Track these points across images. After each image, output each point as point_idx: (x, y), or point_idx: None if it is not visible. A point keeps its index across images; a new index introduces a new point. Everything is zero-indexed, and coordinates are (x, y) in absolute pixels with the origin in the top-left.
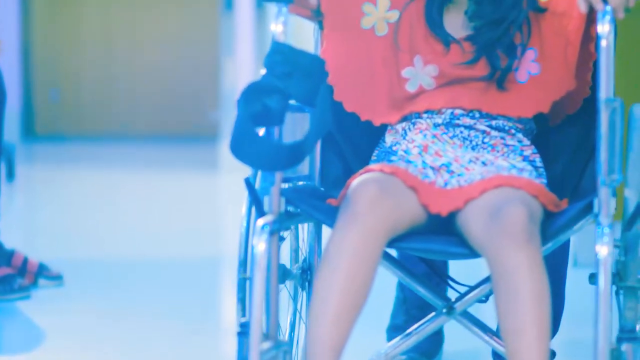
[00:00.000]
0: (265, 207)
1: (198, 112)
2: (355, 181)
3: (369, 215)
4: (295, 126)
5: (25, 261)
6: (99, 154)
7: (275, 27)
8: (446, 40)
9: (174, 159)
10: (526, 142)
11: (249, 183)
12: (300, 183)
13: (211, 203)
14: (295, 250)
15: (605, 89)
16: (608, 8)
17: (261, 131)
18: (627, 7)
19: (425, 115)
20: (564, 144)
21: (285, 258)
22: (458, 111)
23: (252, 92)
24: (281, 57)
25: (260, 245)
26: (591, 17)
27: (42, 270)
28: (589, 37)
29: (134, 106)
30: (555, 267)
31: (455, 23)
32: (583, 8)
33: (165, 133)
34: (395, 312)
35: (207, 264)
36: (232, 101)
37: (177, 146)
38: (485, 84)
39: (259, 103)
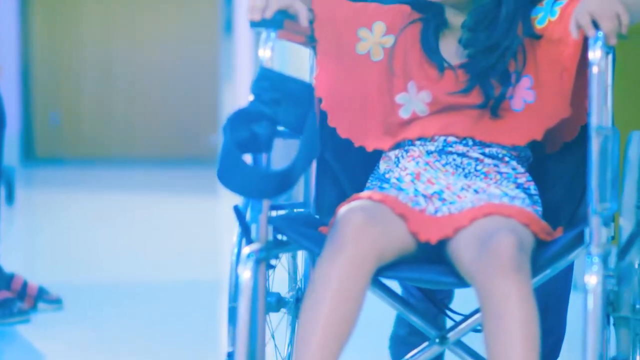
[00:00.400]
0: (254, 235)
1: (197, 136)
2: (343, 209)
3: (356, 243)
4: (286, 153)
5: (24, 285)
6: (99, 177)
7: (263, 53)
8: (441, 65)
9: (173, 183)
10: (520, 169)
11: (237, 211)
12: (298, 210)
13: (210, 227)
14: (293, 279)
15: (596, 117)
16: (600, 34)
17: (249, 158)
18: (620, 33)
19: (418, 143)
20: (562, 171)
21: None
22: (451, 139)
23: (239, 119)
24: (269, 83)
25: (245, 273)
26: (588, 43)
27: (41, 294)
28: (586, 64)
29: (133, 130)
30: (557, 292)
31: (451, 49)
32: (575, 34)
33: (165, 157)
34: (399, 321)
35: (206, 289)
36: None
37: (176, 170)
38: (479, 111)
39: (246, 130)
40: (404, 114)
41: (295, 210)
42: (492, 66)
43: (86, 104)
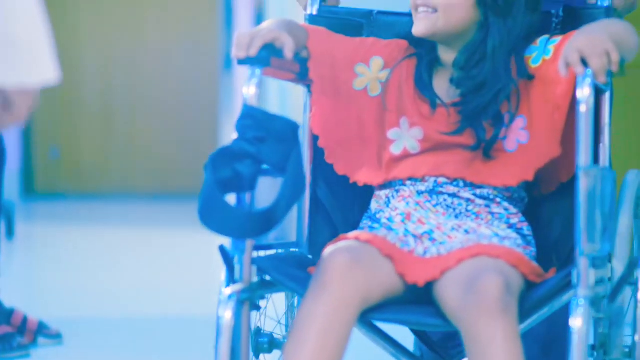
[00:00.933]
0: (237, 275)
1: (197, 170)
2: (328, 249)
3: (340, 284)
4: (273, 191)
5: (24, 320)
6: (99, 212)
7: (248, 90)
8: (433, 102)
9: (173, 217)
10: (513, 210)
11: (222, 250)
12: (293, 250)
13: (211, 262)
14: (287, 319)
15: (584, 156)
16: (589, 72)
17: (233, 197)
18: (610, 71)
19: (408, 183)
20: (558, 212)
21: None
22: (442, 179)
23: (222, 158)
24: (252, 121)
25: (226, 314)
26: None
27: (41, 329)
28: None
29: (133, 164)
30: (561, 329)
31: (444, 86)
32: (563, 72)
33: (165, 191)
34: None
35: (205, 324)
36: None
37: (177, 204)
38: (471, 151)
39: (229, 169)
40: (395, 150)
41: (290, 249)
42: (484, 108)
43: (86, 139)
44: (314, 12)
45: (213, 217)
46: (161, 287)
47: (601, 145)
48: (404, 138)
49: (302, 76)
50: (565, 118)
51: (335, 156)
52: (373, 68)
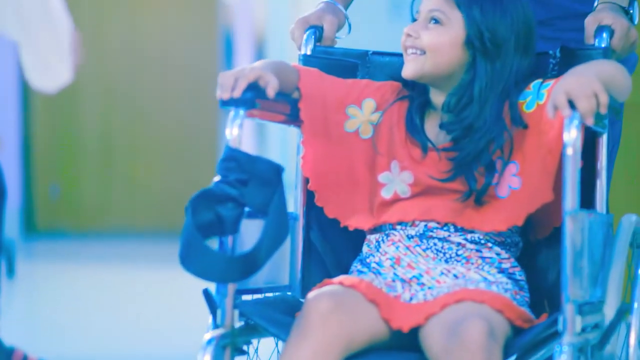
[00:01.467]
0: (219, 320)
1: None
2: (311, 294)
3: (321, 330)
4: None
5: (24, 358)
6: (100, 251)
7: (230, 132)
8: (424, 145)
9: (174, 256)
10: (505, 254)
11: (206, 294)
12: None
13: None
14: None
15: (570, 200)
16: (576, 114)
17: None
18: (599, 113)
19: (398, 227)
20: (552, 257)
21: None
22: (432, 224)
23: (203, 201)
24: (235, 163)
25: (204, 359)
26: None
27: None
28: None
29: (133, 203)
30: None
31: (435, 130)
32: (551, 114)
33: (166, 230)
34: None
35: None
36: None
37: (177, 243)
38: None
39: (210, 212)
40: (385, 194)
41: (282, 293)
42: (476, 157)
43: (86, 177)
44: (308, 52)
45: (193, 261)
46: (162, 326)
47: (597, 189)
48: (395, 182)
49: (293, 117)
50: (557, 162)
51: (326, 199)
52: (365, 110)
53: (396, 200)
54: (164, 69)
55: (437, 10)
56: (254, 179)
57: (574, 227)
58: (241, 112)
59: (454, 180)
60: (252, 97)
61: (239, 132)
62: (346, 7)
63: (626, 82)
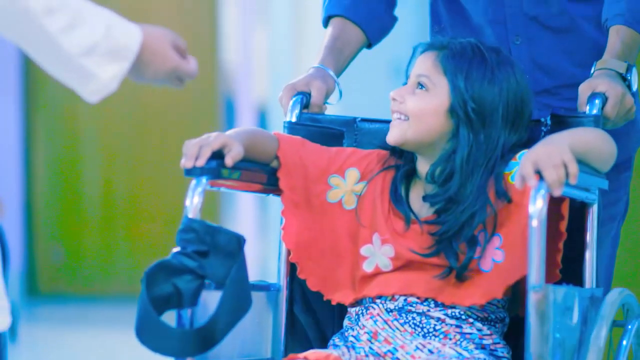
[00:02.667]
0: None
1: None
2: None
3: None
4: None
5: None
6: (103, 314)
7: (190, 201)
8: (407, 217)
9: None
10: (487, 331)
11: None
12: None
13: None
14: None
15: (535, 274)
16: (542, 184)
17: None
18: (568, 183)
19: (378, 301)
20: None
21: None
22: (412, 299)
23: (160, 273)
24: (193, 235)
25: None
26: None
27: None
28: (560, 216)
29: (136, 266)
30: None
31: (420, 201)
32: (518, 184)
33: None
34: None
35: None
36: None
37: None
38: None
39: (168, 284)
40: (367, 268)
41: None
42: (457, 232)
43: (88, 241)
44: (293, 119)
45: (147, 335)
46: None
47: (587, 262)
48: (376, 255)
49: (271, 186)
50: None
51: (309, 272)
52: (348, 180)
53: (377, 273)
54: (164, 134)
55: (424, 76)
56: (214, 250)
57: (538, 303)
58: (204, 180)
59: (435, 256)
60: (216, 166)
61: (200, 201)
62: (339, 73)
63: (609, 149)
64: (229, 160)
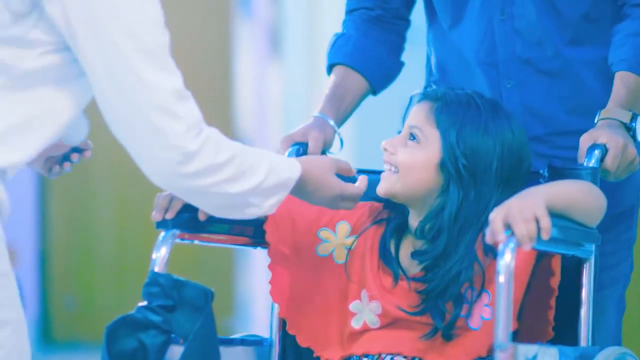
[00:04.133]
0: None
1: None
2: None
3: None
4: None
5: None
6: None
7: (157, 254)
8: (396, 274)
9: None
10: None
11: None
12: None
13: None
14: None
15: (502, 331)
16: (511, 239)
17: None
18: (540, 238)
19: (365, 359)
20: None
21: None
22: (398, 358)
23: (124, 327)
24: (158, 289)
25: None
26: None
27: None
28: (550, 272)
29: None
30: None
31: (409, 256)
32: (488, 238)
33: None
34: None
35: None
36: (246, 307)
37: None
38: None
39: (132, 339)
40: (355, 324)
41: None
42: (444, 290)
43: (102, 289)
44: None
45: None
46: None
47: (582, 320)
48: (364, 312)
49: (257, 240)
50: (522, 290)
51: (298, 327)
52: (339, 233)
53: (365, 330)
54: None
55: (416, 127)
56: (180, 304)
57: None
58: (175, 233)
59: (422, 315)
60: (187, 219)
61: (167, 254)
62: (341, 121)
63: (595, 203)
64: (201, 216)
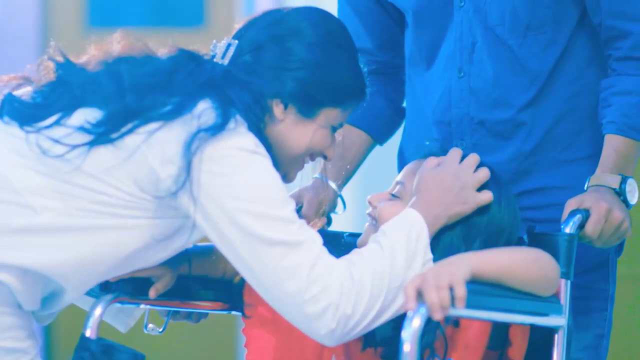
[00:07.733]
0: None
1: None
2: None
3: None
4: None
5: None
6: None
7: (90, 319)
8: (365, 339)
9: None
10: None
11: None
12: None
13: None
14: None
15: None
16: (421, 307)
17: None
18: (452, 306)
19: None
20: None
21: None
22: None
23: None
24: (88, 354)
25: None
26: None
27: None
28: (508, 342)
29: None
30: None
31: None
32: (402, 307)
33: None
34: None
35: None
36: None
37: None
38: None
39: None
40: None
41: None
42: None
43: None
44: None
45: None
46: None
47: None
48: None
49: (235, 305)
50: (479, 357)
51: None
52: None
53: None
54: None
55: (400, 183)
56: None
57: None
58: (109, 298)
59: None
60: (125, 287)
61: (99, 319)
62: (344, 179)
63: (540, 272)
64: (151, 293)
